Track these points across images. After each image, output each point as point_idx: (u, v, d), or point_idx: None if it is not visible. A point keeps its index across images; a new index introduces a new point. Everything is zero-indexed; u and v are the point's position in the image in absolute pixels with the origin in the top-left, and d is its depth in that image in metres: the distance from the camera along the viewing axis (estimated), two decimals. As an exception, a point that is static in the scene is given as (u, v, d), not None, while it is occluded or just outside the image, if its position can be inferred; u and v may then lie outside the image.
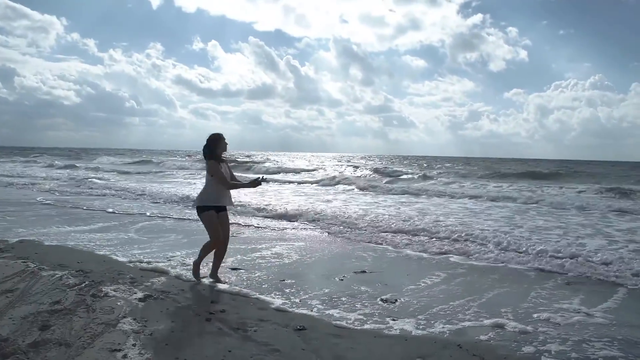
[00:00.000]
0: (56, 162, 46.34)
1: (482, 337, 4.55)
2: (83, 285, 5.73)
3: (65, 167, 40.02)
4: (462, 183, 26.30)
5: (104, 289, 5.60)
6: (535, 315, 5.25)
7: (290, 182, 26.88)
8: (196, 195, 6.53)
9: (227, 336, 4.36)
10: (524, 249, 8.39)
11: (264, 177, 6.46)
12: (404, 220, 11.30)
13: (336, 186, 24.18)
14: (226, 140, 6.27)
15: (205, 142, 6.19)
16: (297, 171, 37.91)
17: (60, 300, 5.15)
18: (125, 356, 3.86)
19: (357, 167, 44.44)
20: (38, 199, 15.67)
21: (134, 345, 4.09)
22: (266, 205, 13.92)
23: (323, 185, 24.94)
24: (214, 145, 6.16)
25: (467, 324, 4.94)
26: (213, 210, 6.12)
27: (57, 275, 6.09)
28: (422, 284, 6.41)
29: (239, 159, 56.56)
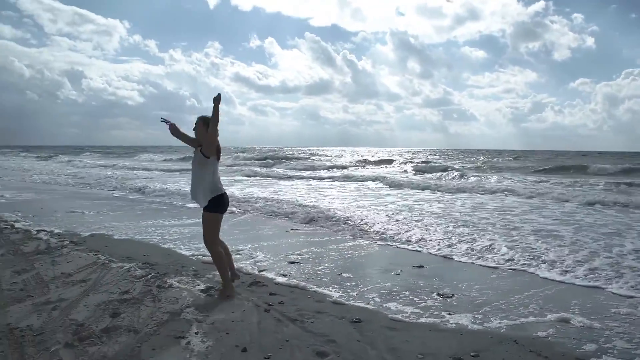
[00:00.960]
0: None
1: (541, 334, 4.46)
2: (149, 276, 6.02)
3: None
4: (509, 177, 25.41)
5: (168, 281, 5.85)
6: (606, 311, 5.09)
7: (330, 178, 26.60)
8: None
9: (285, 326, 4.49)
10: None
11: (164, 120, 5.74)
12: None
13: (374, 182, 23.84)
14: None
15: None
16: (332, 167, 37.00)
17: (128, 290, 5.44)
18: (188, 343, 4.05)
19: (407, 162, 43.70)
20: (115, 195, 16.40)
21: (196, 333, 4.28)
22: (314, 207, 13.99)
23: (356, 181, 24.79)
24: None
25: (527, 319, 4.85)
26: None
27: (125, 267, 6.42)
28: (482, 279, 6.32)
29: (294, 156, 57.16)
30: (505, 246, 7.95)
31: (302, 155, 63.44)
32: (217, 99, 5.28)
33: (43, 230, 9.17)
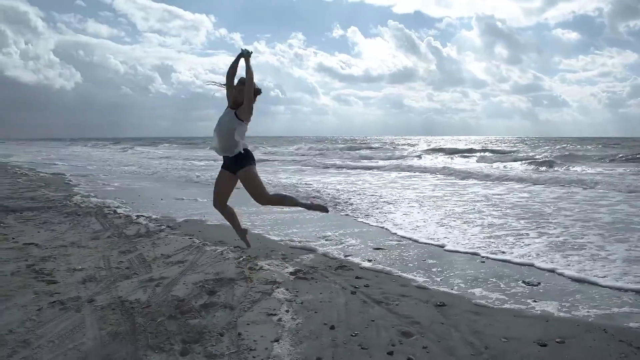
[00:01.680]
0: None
1: (634, 324, 4.33)
2: (241, 259, 6.37)
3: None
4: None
5: (259, 263, 6.17)
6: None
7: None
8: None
9: (371, 308, 4.64)
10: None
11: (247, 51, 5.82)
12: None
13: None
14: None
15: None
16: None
17: (222, 271, 5.80)
18: (280, 320, 4.30)
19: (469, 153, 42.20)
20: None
21: (287, 311, 4.52)
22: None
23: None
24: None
25: (620, 309, 4.72)
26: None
27: (219, 250, 6.81)
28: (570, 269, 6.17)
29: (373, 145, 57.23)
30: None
31: (384, 145, 63.18)
32: (246, 55, 5.37)
33: (142, 215, 9.87)
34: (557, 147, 52.69)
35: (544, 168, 24.77)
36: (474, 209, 10.93)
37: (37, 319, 4.20)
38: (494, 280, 5.67)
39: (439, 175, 20.98)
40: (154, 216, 9.83)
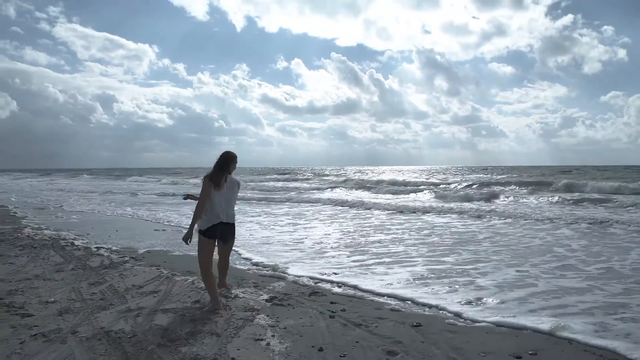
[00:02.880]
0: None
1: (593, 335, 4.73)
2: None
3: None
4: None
5: (233, 292, 6.26)
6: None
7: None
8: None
9: (352, 330, 4.84)
10: None
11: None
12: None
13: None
14: (234, 162, 5.89)
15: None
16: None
17: (199, 300, 5.85)
18: (268, 344, 4.43)
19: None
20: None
21: (273, 336, 4.65)
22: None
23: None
24: (219, 164, 5.84)
25: (576, 319, 5.12)
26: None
27: (189, 280, 6.84)
28: (525, 280, 6.59)
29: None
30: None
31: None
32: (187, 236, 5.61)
33: (102, 247, 9.72)
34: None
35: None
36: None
37: (23, 352, 4.16)
38: (465, 302, 6.00)
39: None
40: (113, 247, 9.71)
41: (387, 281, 7.00)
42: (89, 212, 18.23)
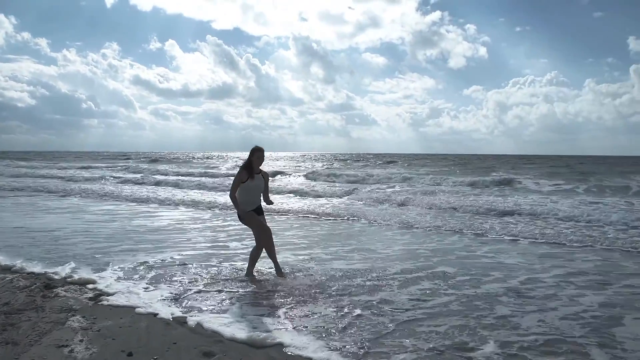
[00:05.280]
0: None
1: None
2: (33, 287, 5.79)
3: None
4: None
5: (55, 290, 5.67)
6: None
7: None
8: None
9: (174, 329, 4.54)
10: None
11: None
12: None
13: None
14: (263, 154, 6.47)
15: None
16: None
17: (10, 301, 5.22)
18: (71, 351, 3.99)
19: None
20: None
21: (81, 340, 4.22)
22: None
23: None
24: (249, 156, 6.39)
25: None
26: (252, 211, 6.50)
27: (8, 279, 6.13)
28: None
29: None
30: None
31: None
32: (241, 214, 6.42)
33: None
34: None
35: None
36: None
37: None
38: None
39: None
40: None
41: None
42: None
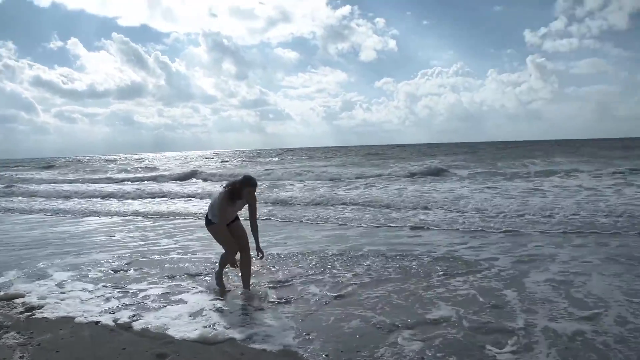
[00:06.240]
0: None
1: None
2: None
3: None
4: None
5: (-21, 309, 5.32)
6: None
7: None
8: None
9: (120, 335, 4.42)
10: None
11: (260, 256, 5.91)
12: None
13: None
14: (254, 190, 5.80)
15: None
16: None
17: None
18: (13, 370, 3.79)
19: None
20: None
21: (21, 357, 4.01)
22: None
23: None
24: (240, 184, 5.69)
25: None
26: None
27: None
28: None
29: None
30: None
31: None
32: None
33: None
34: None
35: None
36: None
37: None
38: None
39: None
40: None
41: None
42: None
